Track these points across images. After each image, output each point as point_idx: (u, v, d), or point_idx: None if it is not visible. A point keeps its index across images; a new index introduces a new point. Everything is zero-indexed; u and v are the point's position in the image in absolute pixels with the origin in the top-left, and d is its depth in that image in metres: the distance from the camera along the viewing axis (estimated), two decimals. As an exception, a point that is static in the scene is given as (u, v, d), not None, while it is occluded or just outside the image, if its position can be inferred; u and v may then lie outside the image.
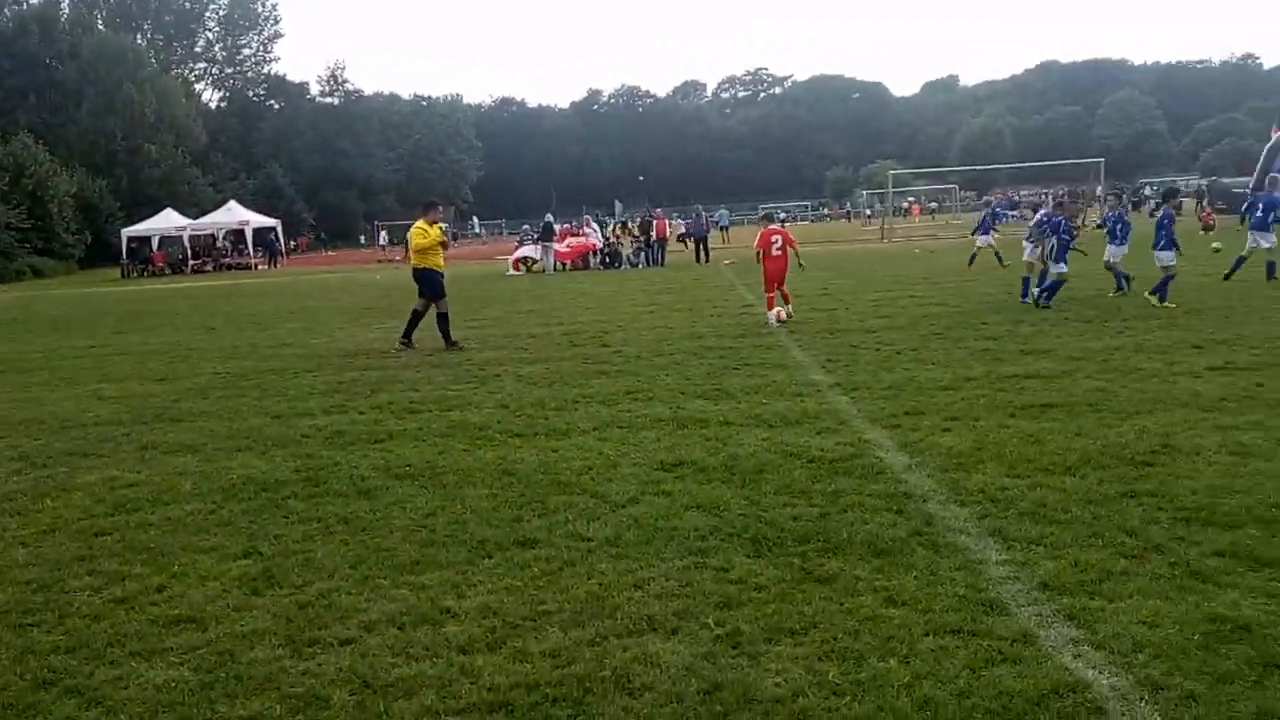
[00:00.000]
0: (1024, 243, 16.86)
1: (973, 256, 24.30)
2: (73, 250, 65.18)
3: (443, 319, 14.36)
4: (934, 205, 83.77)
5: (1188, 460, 6.34)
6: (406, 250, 15.78)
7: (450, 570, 5.09)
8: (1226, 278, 17.02)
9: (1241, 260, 17.21)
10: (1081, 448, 6.72)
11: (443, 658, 4.07)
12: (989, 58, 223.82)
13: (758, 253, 15.41)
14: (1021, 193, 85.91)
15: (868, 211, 78.29)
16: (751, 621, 4.22)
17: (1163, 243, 14.99)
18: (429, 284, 14.44)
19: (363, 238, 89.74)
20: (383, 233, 65.33)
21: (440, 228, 14.76)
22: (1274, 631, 3.91)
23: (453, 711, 3.61)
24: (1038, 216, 17.24)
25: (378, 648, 4.20)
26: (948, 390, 9.01)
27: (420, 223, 14.62)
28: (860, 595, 4.45)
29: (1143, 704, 3.43)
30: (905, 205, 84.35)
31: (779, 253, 15.23)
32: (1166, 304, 14.13)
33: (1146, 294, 14.57)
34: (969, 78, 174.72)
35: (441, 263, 14.54)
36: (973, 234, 26.21)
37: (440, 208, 14.97)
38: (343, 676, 3.95)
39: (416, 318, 14.61)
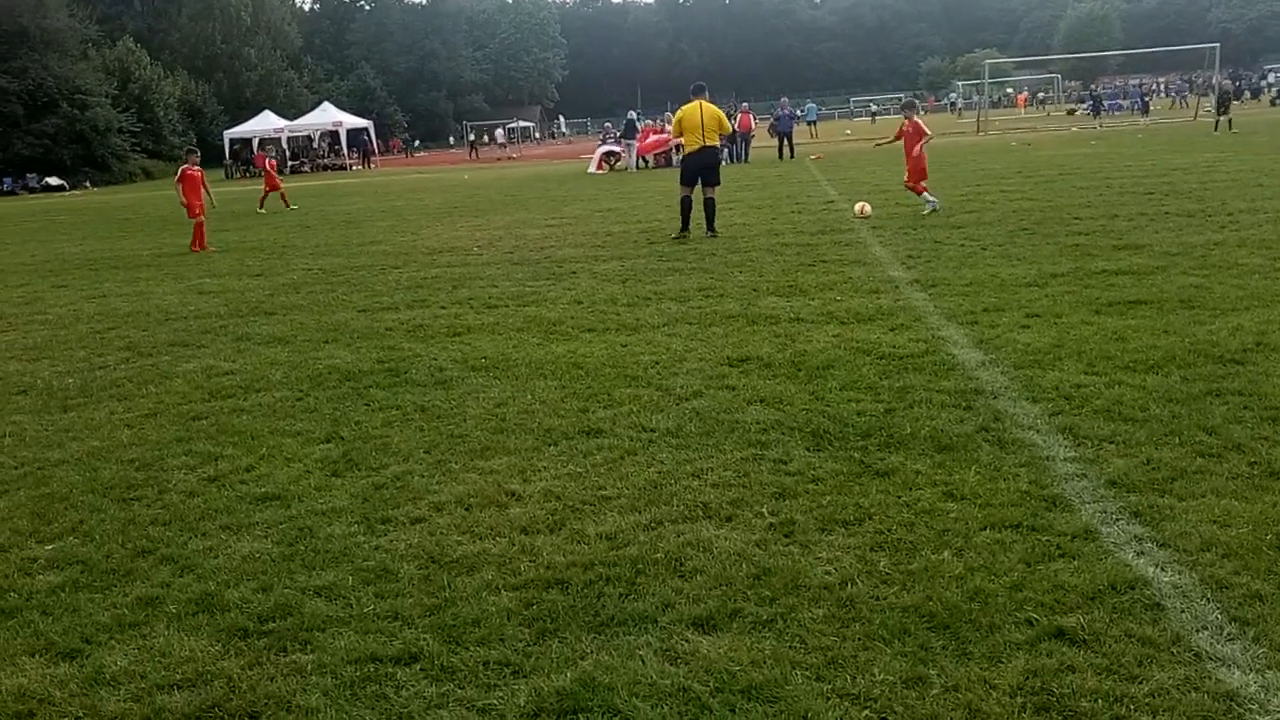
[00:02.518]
0: None
1: None
2: (179, 152, 66.86)
3: (686, 203, 13.92)
4: (1041, 95, 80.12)
5: (1283, 358, 6.01)
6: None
7: (518, 456, 5.25)
8: None
9: None
10: (1167, 345, 6.48)
11: (505, 537, 4.23)
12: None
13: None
14: (1130, 82, 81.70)
15: (960, 102, 75.22)
16: (806, 512, 4.27)
17: None
18: (713, 168, 13.92)
19: (452, 139, 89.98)
20: (499, 131, 64.74)
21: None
22: (1358, 533, 3.70)
23: (511, 587, 3.77)
24: None
25: (445, 527, 4.39)
26: (1031, 287, 8.77)
27: (701, 103, 13.78)
28: (919, 489, 4.45)
29: (1204, 602, 3.35)
30: (1008, 94, 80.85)
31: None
32: None
33: None
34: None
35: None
36: None
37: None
38: (412, 552, 4.15)
39: (710, 206, 13.87)
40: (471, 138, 63.32)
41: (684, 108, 13.96)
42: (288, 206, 25.15)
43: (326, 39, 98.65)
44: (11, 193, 54.09)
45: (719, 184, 14.09)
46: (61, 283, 13.98)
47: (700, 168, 13.90)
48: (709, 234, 13.64)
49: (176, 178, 17.29)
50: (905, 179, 15.21)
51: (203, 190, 17.10)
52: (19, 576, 4.19)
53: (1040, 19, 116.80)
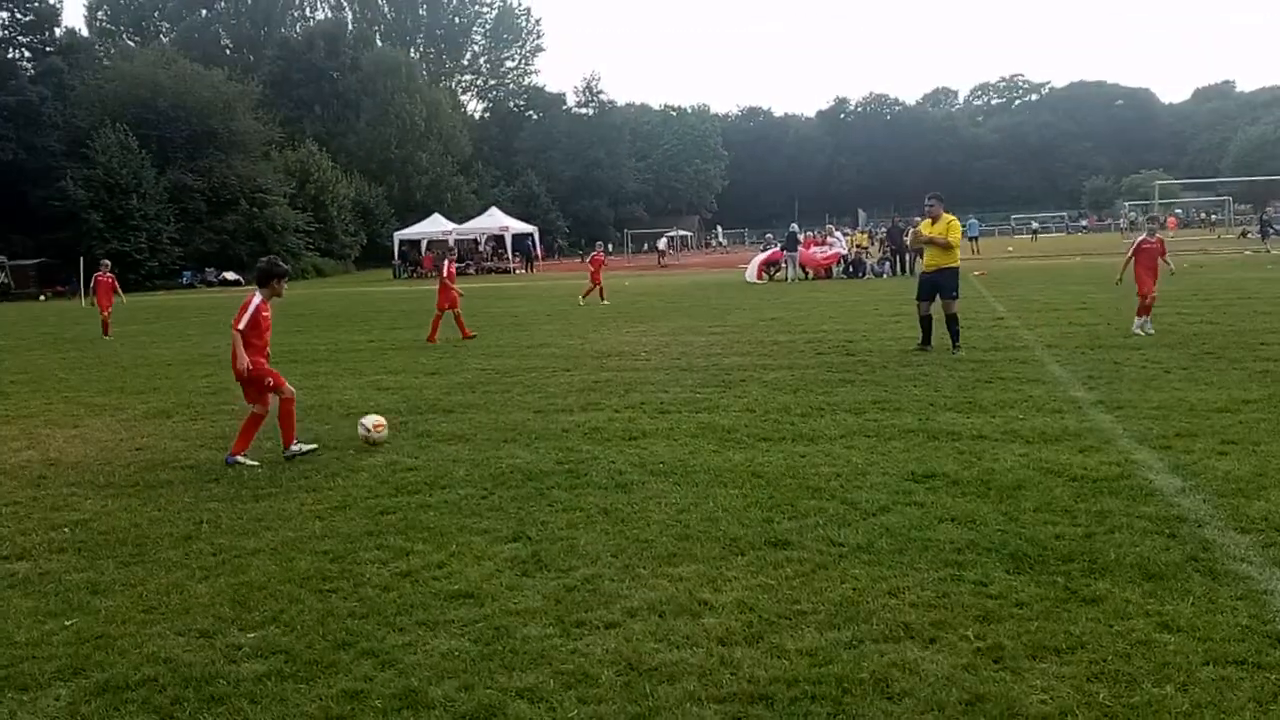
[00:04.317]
0: None
1: None
2: (349, 251, 70.90)
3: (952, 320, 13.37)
4: (1215, 217, 77.28)
5: None
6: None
7: (705, 564, 5.25)
8: None
9: None
10: (1384, 478, 6.05)
11: (703, 647, 4.22)
12: (1269, 61, 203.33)
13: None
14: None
15: (1123, 223, 73.33)
16: (1013, 637, 4.13)
17: None
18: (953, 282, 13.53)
19: (611, 245, 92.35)
20: (662, 240, 66.55)
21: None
22: None
23: (715, 699, 3.74)
24: None
25: (640, 633, 4.40)
26: (1223, 412, 8.39)
27: (950, 217, 13.52)
28: (1131, 619, 4.27)
29: None
30: (1177, 214, 78.49)
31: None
32: None
33: None
34: (1246, 83, 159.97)
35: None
36: None
37: None
38: (609, 658, 4.17)
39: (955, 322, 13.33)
40: (661, 246, 65.04)
41: (954, 219, 13.63)
42: (585, 300, 26.48)
43: (495, 146, 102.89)
44: (190, 285, 57.92)
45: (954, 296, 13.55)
46: (244, 375, 14.77)
47: None
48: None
49: (445, 273, 18.59)
50: (1148, 299, 14.18)
51: (451, 285, 18.29)
52: (224, 663, 4.31)
53: (1209, 141, 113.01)
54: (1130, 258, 14.77)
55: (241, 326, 8.29)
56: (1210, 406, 8.66)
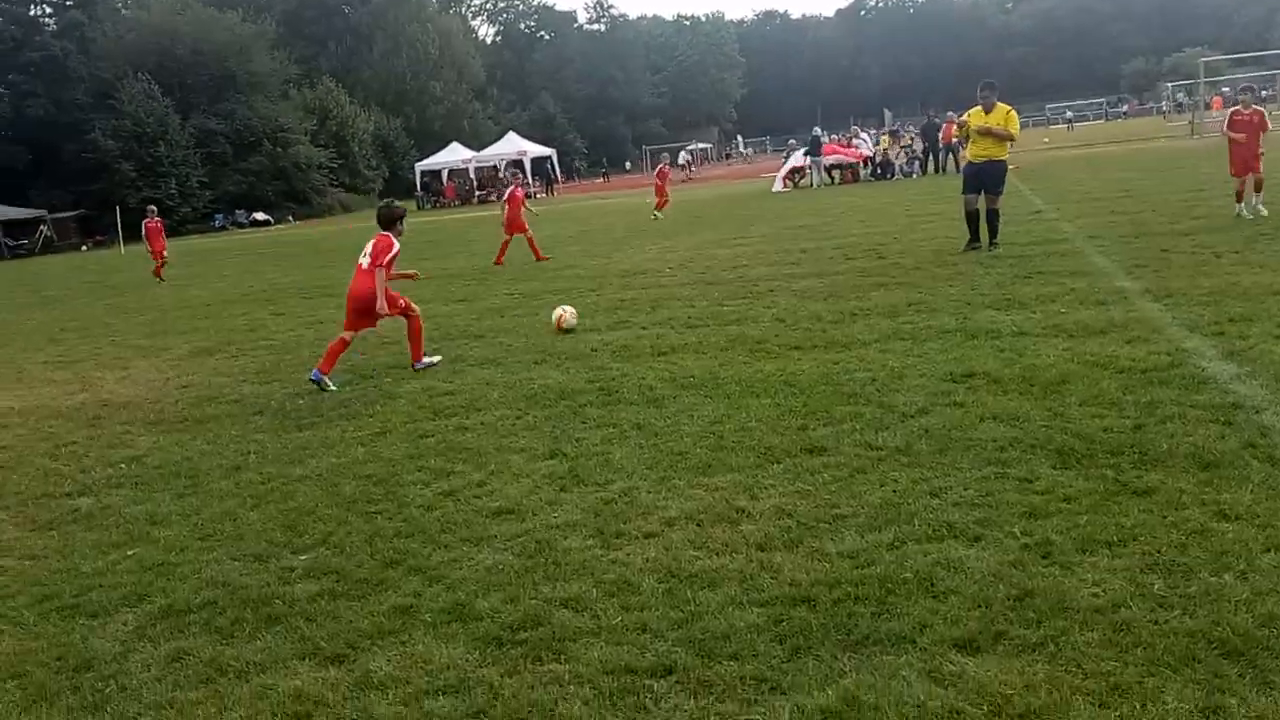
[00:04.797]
0: None
1: None
2: (372, 185, 71.14)
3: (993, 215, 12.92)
4: (1266, 94, 74.57)
5: None
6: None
7: (741, 474, 5.19)
8: None
9: None
10: None
11: (742, 553, 4.18)
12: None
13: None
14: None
15: (1164, 106, 71.11)
16: (1062, 532, 4.04)
17: None
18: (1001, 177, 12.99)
19: (628, 164, 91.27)
20: (682, 154, 65.61)
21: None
22: None
23: (757, 603, 3.71)
24: None
25: (679, 542, 4.38)
26: (1280, 295, 8.11)
27: (1007, 107, 12.86)
28: (1186, 509, 4.14)
29: None
30: (1223, 94, 75.97)
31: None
32: None
33: None
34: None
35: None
36: None
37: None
38: (650, 566, 4.16)
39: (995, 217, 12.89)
40: (681, 160, 64.22)
41: (1013, 110, 12.98)
42: (662, 213, 26.27)
43: (508, 70, 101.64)
44: (223, 228, 58.40)
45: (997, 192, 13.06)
46: (279, 311, 14.90)
47: None
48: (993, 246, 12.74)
49: (504, 198, 18.84)
50: (1245, 178, 13.31)
51: (522, 209, 18.19)
52: (279, 585, 4.43)
53: (1258, 12, 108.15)
54: (1228, 135, 13.94)
55: (385, 262, 8.76)
56: (1266, 289, 8.39)
